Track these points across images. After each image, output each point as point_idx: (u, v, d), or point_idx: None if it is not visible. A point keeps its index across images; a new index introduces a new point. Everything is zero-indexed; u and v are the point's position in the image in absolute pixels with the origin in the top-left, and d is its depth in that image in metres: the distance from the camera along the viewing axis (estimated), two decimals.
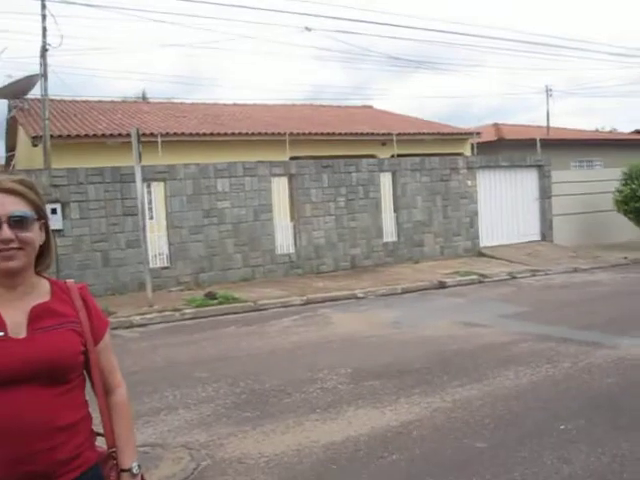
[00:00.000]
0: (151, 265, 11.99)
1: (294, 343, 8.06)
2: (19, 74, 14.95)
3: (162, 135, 14.90)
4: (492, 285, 12.37)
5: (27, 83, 14.54)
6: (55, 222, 11.99)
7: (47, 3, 13.04)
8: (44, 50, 13.22)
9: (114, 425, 1.88)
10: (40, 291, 1.78)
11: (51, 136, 13.77)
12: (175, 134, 15.81)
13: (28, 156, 16.45)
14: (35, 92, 14.73)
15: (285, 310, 10.51)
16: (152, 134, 14.80)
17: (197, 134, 16.21)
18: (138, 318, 10.08)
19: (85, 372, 1.84)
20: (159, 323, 9.95)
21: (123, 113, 17.88)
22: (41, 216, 1.78)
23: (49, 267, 1.86)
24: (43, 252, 1.82)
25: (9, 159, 18.77)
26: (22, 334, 1.68)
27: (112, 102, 19.62)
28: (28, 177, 1.84)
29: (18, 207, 1.69)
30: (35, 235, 1.73)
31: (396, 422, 4.95)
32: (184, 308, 10.58)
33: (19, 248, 1.68)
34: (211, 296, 11.16)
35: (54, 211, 11.99)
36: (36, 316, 1.71)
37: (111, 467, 1.84)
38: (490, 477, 3.91)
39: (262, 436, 4.80)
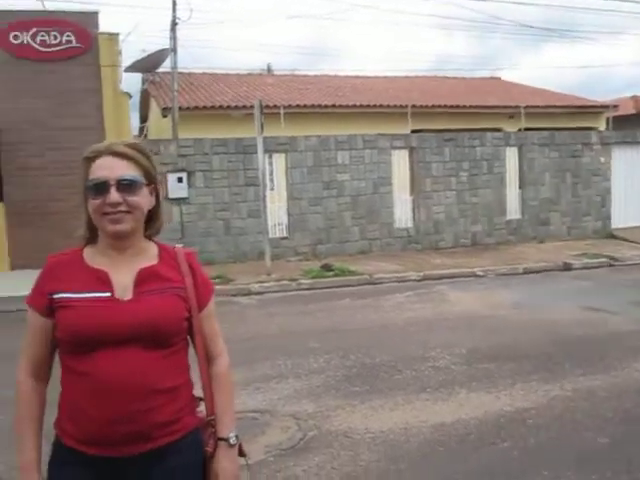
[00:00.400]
0: (270, 235, 12.21)
1: (408, 319, 7.92)
2: (152, 48, 15.57)
3: (284, 107, 15.06)
4: (623, 269, 11.57)
5: (159, 57, 15.11)
6: (181, 190, 12.48)
7: None
8: (174, 24, 13.65)
9: (214, 394, 1.86)
10: (148, 255, 1.80)
11: (179, 107, 14.27)
12: (297, 106, 15.92)
13: (158, 126, 17.18)
14: (166, 65, 15.28)
15: (400, 285, 10.38)
16: (275, 106, 14.99)
17: (319, 106, 16.24)
18: (256, 286, 10.31)
19: (189, 338, 1.83)
20: (276, 292, 10.13)
21: (248, 85, 18.23)
22: (151, 181, 1.77)
23: (159, 232, 1.86)
24: (152, 217, 1.82)
25: (142, 129, 19.69)
26: (128, 296, 1.70)
27: (238, 75, 20.02)
28: (142, 143, 1.86)
29: (128, 171, 1.69)
30: (143, 199, 1.73)
31: (510, 408, 4.73)
32: (301, 278, 10.71)
33: (127, 212, 1.68)
34: (327, 268, 11.22)
35: (180, 180, 12.48)
36: (142, 279, 1.73)
37: (209, 434, 1.83)
38: (611, 475, 3.64)
39: (370, 411, 4.75)
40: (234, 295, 9.93)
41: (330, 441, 4.23)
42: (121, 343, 1.65)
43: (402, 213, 13.92)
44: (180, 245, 1.91)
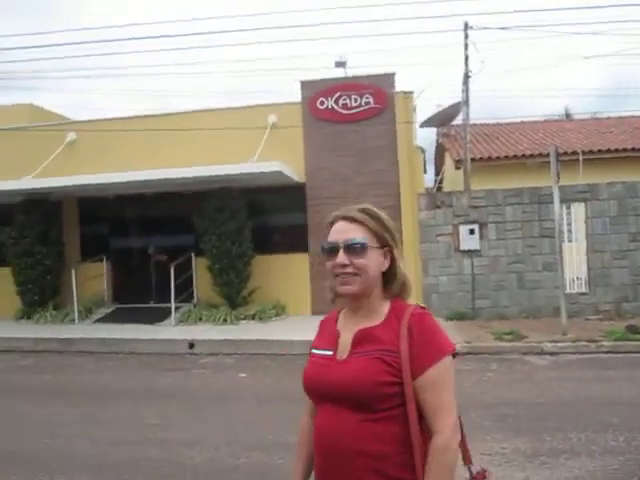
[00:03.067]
0: (567, 290, 11.44)
1: None
2: (446, 102, 15.91)
3: (584, 153, 14.13)
4: None
5: (452, 110, 15.38)
6: (472, 242, 12.37)
7: (469, 32, 13.55)
8: (466, 77, 13.79)
9: (426, 467, 1.67)
10: (377, 315, 1.79)
11: (472, 159, 14.27)
12: (599, 151, 14.84)
13: (453, 179, 17.37)
14: (459, 118, 15.44)
15: None
16: (573, 152, 14.16)
17: (623, 150, 14.92)
18: (549, 345, 9.64)
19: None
20: (571, 353, 9.34)
21: (544, 132, 17.54)
22: (383, 243, 1.80)
23: (403, 294, 1.84)
24: (390, 278, 1.82)
25: (436, 182, 20.11)
26: (344, 356, 1.76)
27: (534, 122, 19.42)
28: (373, 206, 1.88)
29: (356, 234, 1.76)
30: (371, 261, 1.76)
31: None
32: (601, 340, 9.73)
33: (355, 274, 1.74)
34: (634, 330, 10.03)
35: (472, 232, 12.38)
36: (357, 340, 1.76)
37: None
38: None
39: None
40: (525, 353, 9.41)
41: None
42: (332, 401, 1.72)
43: None
44: (416, 303, 1.82)
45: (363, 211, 1.82)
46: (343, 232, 1.78)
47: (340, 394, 1.70)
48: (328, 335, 1.85)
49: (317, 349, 1.85)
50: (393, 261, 1.82)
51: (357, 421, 1.68)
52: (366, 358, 1.71)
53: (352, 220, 1.79)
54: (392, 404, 1.68)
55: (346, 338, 1.78)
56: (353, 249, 1.75)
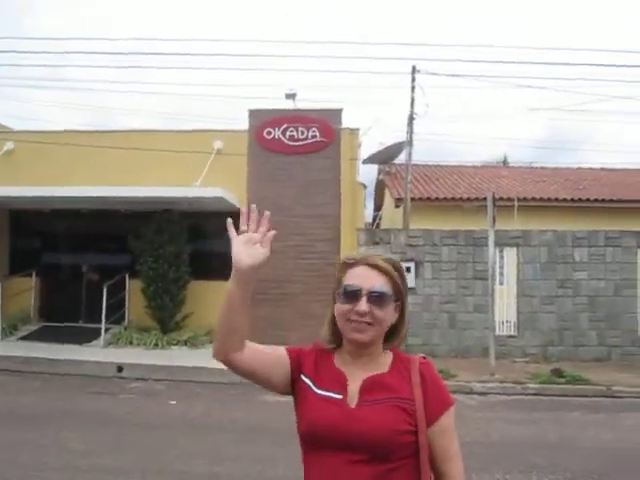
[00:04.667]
0: (497, 332, 11.74)
1: None
2: (389, 141, 16.25)
3: (519, 200, 14.65)
4: None
5: (395, 149, 15.74)
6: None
7: (416, 76, 13.97)
8: (411, 119, 14.16)
9: None
10: (381, 363, 1.79)
11: (412, 198, 14.58)
12: (533, 199, 15.41)
13: (391, 216, 17.66)
14: (401, 157, 15.80)
15: None
16: (509, 198, 14.65)
17: (556, 199, 15.55)
18: (478, 385, 9.86)
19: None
20: (499, 394, 9.58)
21: (482, 177, 18.12)
22: (399, 297, 1.78)
23: (400, 345, 1.85)
24: (393, 331, 1.81)
25: (375, 218, 20.42)
26: (353, 404, 1.69)
27: (473, 167, 20.06)
28: (395, 258, 1.87)
29: (380, 284, 1.72)
30: (388, 314, 1.75)
31: None
32: (527, 382, 10.02)
33: (369, 323, 1.71)
34: (558, 373, 10.38)
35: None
36: (367, 388, 1.72)
37: None
38: None
39: None
40: (454, 392, 9.43)
41: None
42: (336, 448, 1.64)
43: None
44: (420, 355, 1.84)
45: (387, 261, 1.78)
46: (367, 278, 1.73)
47: (360, 444, 1.63)
48: (331, 376, 1.76)
49: (320, 389, 1.75)
50: (401, 316, 1.81)
51: (370, 473, 1.63)
52: (384, 406, 1.68)
53: (376, 268, 1.75)
54: (405, 453, 1.67)
55: (354, 383, 1.73)
56: (375, 299, 1.70)
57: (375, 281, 1.72)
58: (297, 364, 1.81)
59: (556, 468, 5.85)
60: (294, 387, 1.80)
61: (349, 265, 1.77)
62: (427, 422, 1.69)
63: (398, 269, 1.79)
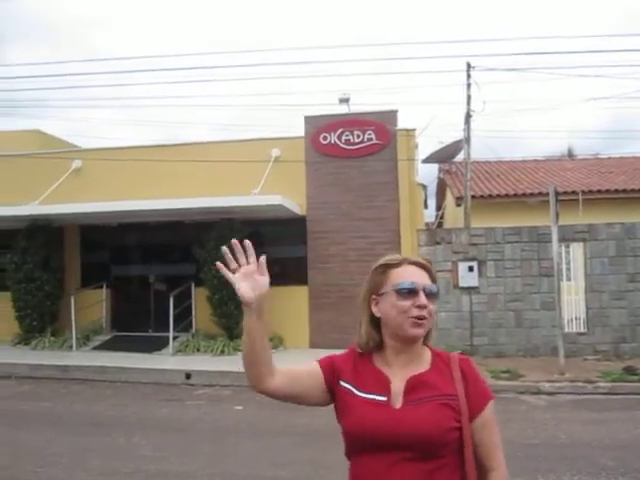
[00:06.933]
0: (566, 330, 11.46)
1: None
2: (448, 140, 16.10)
3: (583, 192, 14.26)
4: None
5: (454, 148, 15.57)
6: (471, 279, 12.42)
7: (472, 72, 13.80)
8: (468, 116, 13.99)
9: None
10: (421, 360, 1.82)
11: (472, 196, 14.39)
12: (598, 191, 14.98)
13: (453, 215, 17.48)
14: (461, 156, 15.62)
15: None
16: (573, 192, 14.28)
17: (623, 191, 15.06)
18: (547, 385, 9.63)
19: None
20: (568, 393, 9.32)
21: (545, 171, 17.71)
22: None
23: (431, 339, 1.89)
24: None
25: (437, 217, 20.23)
26: (398, 404, 1.73)
27: (535, 161, 19.62)
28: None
29: (429, 281, 1.80)
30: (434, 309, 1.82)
31: None
32: (598, 380, 9.72)
33: (425, 317, 1.76)
34: (631, 371, 10.03)
35: (471, 269, 12.44)
36: (412, 387, 1.75)
37: None
38: None
39: None
40: (522, 392, 9.39)
41: None
42: (385, 449, 1.67)
43: None
44: (457, 352, 1.89)
45: (427, 261, 1.88)
46: (419, 276, 1.79)
47: (400, 443, 1.66)
48: (373, 378, 1.79)
49: (363, 392, 1.77)
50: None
51: (420, 471, 1.66)
52: (432, 405, 1.71)
53: (423, 267, 1.83)
54: (451, 449, 1.71)
55: (397, 384, 1.76)
56: (431, 294, 1.78)
57: (425, 278, 1.79)
58: (331, 373, 1.84)
59: (626, 470, 5.65)
60: (334, 395, 1.83)
61: (392, 266, 1.82)
62: (470, 417, 1.73)
63: (431, 267, 1.87)
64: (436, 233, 13.67)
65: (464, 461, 1.72)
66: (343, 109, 14.35)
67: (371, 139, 13.34)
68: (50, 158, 14.20)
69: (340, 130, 13.41)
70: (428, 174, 25.88)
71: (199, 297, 13.34)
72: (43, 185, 13.83)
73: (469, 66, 13.89)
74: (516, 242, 12.51)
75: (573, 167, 18.51)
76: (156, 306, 13.99)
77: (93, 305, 13.98)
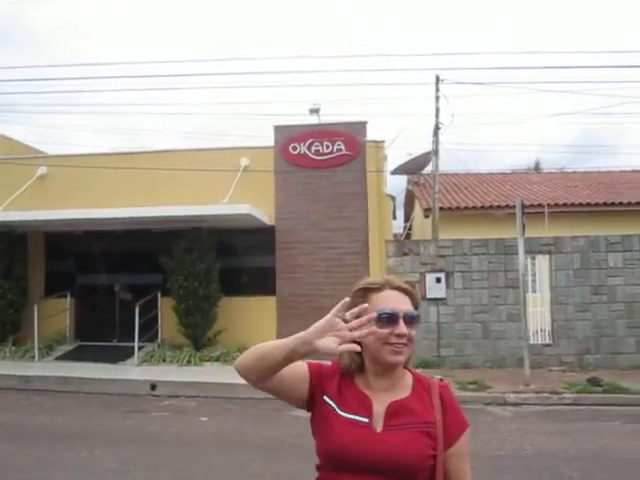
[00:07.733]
0: (531, 341, 11.58)
1: None
2: (417, 151, 16.21)
3: (549, 206, 14.46)
4: None
5: (423, 160, 15.68)
6: (439, 291, 12.49)
7: (440, 86, 13.93)
8: (437, 129, 14.10)
9: None
10: (402, 385, 1.81)
11: (441, 208, 14.49)
12: (564, 204, 15.21)
13: (421, 227, 17.58)
14: (429, 168, 15.73)
15: None
16: (539, 205, 14.48)
17: (587, 204, 15.33)
18: (512, 396, 9.70)
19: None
20: (533, 405, 9.41)
21: (512, 184, 17.95)
22: None
23: (411, 363, 1.87)
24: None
25: (405, 229, 20.33)
26: (379, 427, 1.71)
27: (502, 174, 19.88)
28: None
29: (410, 306, 1.77)
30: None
31: None
32: (563, 392, 9.84)
33: (405, 344, 1.74)
34: (595, 382, 10.18)
35: (438, 280, 12.52)
36: (393, 412, 1.74)
37: None
38: None
39: None
40: (488, 404, 9.45)
41: None
42: (362, 471, 1.65)
43: None
44: (438, 377, 1.88)
45: (409, 284, 1.84)
46: (400, 302, 1.76)
47: (392, 468, 1.65)
48: (355, 399, 1.77)
49: (345, 412, 1.75)
50: None
51: None
52: (411, 432, 1.70)
53: (405, 292, 1.79)
54: (424, 476, 1.70)
55: (378, 407, 1.74)
56: (411, 320, 1.74)
57: (405, 304, 1.76)
58: (318, 381, 1.81)
59: None
60: (313, 403, 1.80)
61: (372, 290, 1.79)
62: (445, 445, 1.72)
63: (413, 290, 1.84)
64: (404, 244, 13.74)
65: None
66: (313, 119, 14.37)
67: (340, 150, 13.37)
68: (15, 164, 13.93)
69: (310, 140, 13.41)
70: (397, 185, 26.04)
71: (165, 307, 13.17)
72: (6, 191, 13.54)
73: (438, 79, 14.01)
74: (483, 254, 12.63)
75: (539, 180, 18.80)
76: (121, 316, 13.76)
77: (57, 314, 13.70)
